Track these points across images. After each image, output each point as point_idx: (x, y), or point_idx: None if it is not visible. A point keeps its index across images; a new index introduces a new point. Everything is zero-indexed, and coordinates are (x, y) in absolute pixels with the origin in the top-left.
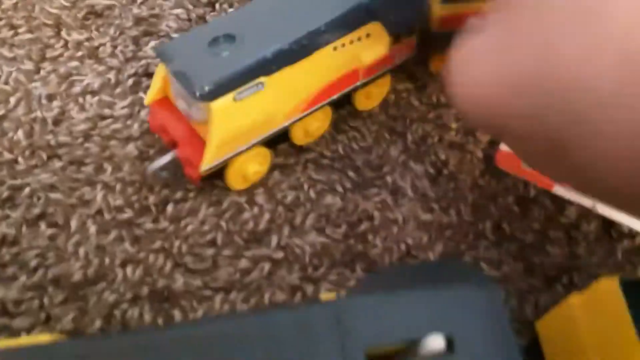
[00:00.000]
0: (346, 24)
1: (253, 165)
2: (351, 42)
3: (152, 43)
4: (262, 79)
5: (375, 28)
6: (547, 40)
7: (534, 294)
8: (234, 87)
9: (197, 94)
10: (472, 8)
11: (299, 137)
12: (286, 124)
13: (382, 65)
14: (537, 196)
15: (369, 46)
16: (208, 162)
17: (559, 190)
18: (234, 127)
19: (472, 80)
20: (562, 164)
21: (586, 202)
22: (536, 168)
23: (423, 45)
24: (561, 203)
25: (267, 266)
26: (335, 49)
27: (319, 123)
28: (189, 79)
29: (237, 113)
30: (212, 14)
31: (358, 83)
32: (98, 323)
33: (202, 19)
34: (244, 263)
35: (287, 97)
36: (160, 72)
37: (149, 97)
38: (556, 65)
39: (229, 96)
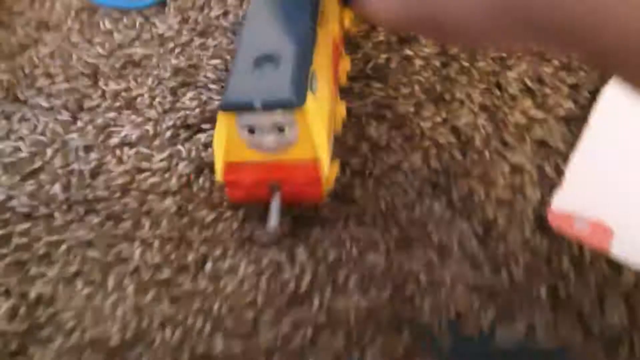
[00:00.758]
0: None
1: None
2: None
3: (190, 94)
4: (311, 68)
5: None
6: None
7: None
8: (305, 84)
9: (294, 101)
10: None
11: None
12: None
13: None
14: (593, 259)
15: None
16: (326, 165)
17: (616, 254)
18: (322, 122)
19: None
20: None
21: None
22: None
23: None
24: (618, 266)
25: (309, 331)
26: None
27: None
28: (275, 98)
29: (317, 107)
30: None
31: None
32: None
33: None
34: (285, 327)
35: (325, 75)
36: (221, 134)
37: (219, 172)
38: None
39: (309, 92)
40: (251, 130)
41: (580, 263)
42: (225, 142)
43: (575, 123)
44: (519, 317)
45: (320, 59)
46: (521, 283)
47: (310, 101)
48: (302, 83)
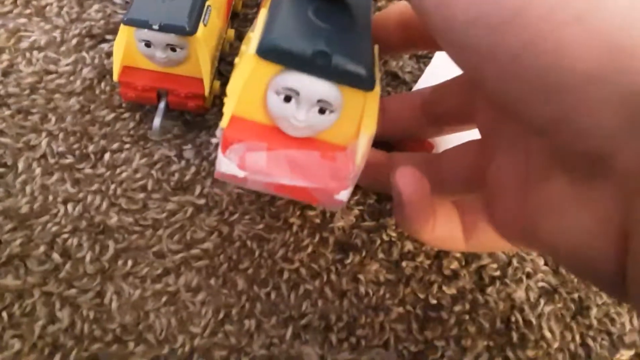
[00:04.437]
0: None
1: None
2: None
3: (96, 6)
4: (208, 2)
5: None
6: None
7: None
8: (200, 14)
9: (187, 30)
10: None
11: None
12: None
13: None
14: None
15: None
16: (207, 83)
17: None
18: (209, 48)
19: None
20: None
21: None
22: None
23: None
24: None
25: (190, 209)
26: None
27: None
28: (171, 23)
29: (206, 36)
30: None
31: None
32: (42, 249)
33: None
34: (170, 206)
35: (218, 8)
36: (121, 42)
37: (116, 71)
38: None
39: (201, 24)
40: (147, 45)
41: None
42: (124, 48)
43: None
44: None
45: None
46: None
47: (201, 31)
48: (197, 15)
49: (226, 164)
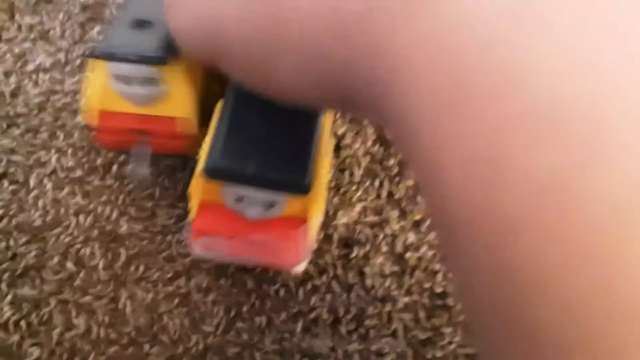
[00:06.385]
0: None
1: None
2: None
3: (97, 28)
4: None
5: None
6: None
7: None
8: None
9: (163, 60)
10: None
11: None
12: None
13: None
14: None
15: None
16: (196, 121)
17: None
18: (196, 82)
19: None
20: None
21: None
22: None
23: None
24: None
25: None
26: None
27: None
28: (146, 54)
29: (191, 66)
30: None
31: None
32: (56, 259)
33: None
34: (178, 211)
35: None
36: (95, 81)
37: (88, 114)
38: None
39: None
40: (124, 81)
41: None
42: (99, 91)
43: None
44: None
45: None
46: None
47: (182, 61)
48: (174, 46)
49: (196, 250)
